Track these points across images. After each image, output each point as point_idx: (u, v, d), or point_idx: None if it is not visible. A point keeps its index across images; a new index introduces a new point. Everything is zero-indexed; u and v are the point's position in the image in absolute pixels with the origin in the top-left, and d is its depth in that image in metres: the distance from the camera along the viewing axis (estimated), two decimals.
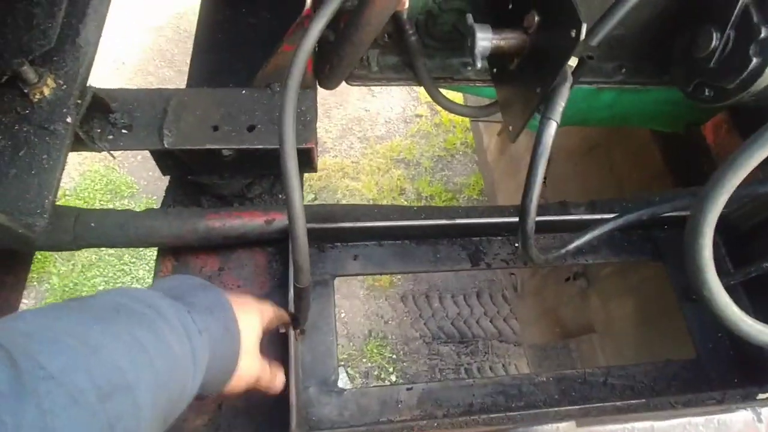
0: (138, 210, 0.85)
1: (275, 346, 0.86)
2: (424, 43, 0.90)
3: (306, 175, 1.15)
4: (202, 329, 0.56)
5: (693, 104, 0.91)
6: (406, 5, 0.81)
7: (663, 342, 1.45)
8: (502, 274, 2.91)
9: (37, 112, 0.70)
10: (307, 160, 0.90)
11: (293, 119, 0.66)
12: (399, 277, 2.99)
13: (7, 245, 0.67)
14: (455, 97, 1.13)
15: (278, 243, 0.93)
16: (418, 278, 3.03)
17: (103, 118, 0.81)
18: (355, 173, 3.32)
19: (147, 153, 0.87)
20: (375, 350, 2.82)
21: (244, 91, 0.89)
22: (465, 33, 0.76)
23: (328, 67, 0.84)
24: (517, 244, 1.00)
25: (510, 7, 0.80)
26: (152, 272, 0.94)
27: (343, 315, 2.90)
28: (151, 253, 1.14)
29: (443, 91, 0.97)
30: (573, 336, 2.12)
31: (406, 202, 3.25)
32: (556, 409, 0.81)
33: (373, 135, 3.49)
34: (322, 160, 3.29)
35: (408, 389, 0.87)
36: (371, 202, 3.22)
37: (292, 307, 0.80)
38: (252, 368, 0.67)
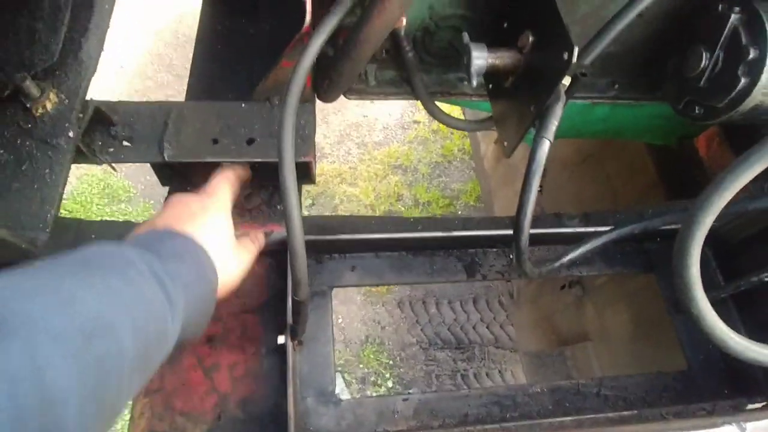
0: (136, 215, 0.86)
1: (273, 356, 0.87)
2: (421, 58, 0.92)
3: None
4: (174, 276, 0.56)
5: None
6: (404, 23, 0.83)
7: (657, 351, 1.47)
8: (498, 281, 2.93)
9: (39, 127, 0.71)
10: (305, 173, 0.91)
11: (292, 136, 0.68)
12: None
13: (8, 259, 0.68)
14: (452, 107, 1.15)
15: (276, 254, 0.94)
16: (415, 284, 3.04)
17: (105, 131, 0.82)
18: (353, 179, 3.33)
19: None
20: (372, 356, 2.83)
21: (243, 105, 0.90)
22: (461, 50, 0.78)
23: (327, 82, 0.85)
24: (512, 256, 1.02)
25: (505, 26, 0.81)
26: None
27: (340, 320, 2.90)
28: None
29: (439, 103, 0.99)
30: (568, 344, 2.13)
31: (403, 209, 3.27)
32: (550, 420, 0.82)
33: (370, 141, 3.51)
34: (320, 166, 3.30)
35: (404, 400, 0.88)
36: (369, 208, 3.24)
37: (290, 319, 0.81)
38: (241, 263, 0.71)
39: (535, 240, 1.02)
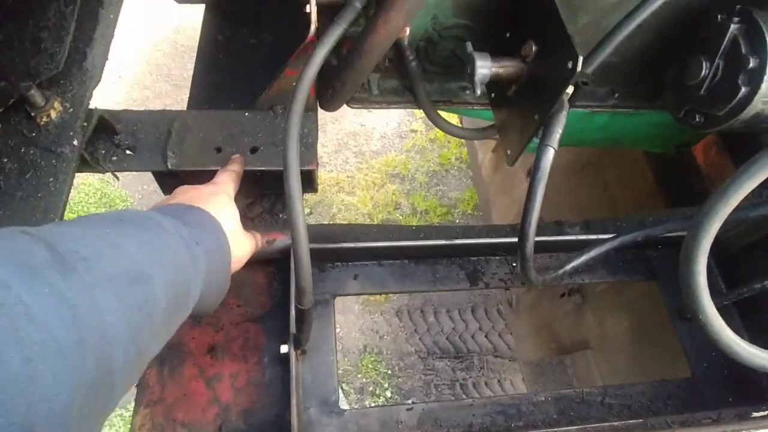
0: None
1: (276, 366, 0.86)
2: (424, 68, 0.93)
3: None
4: (198, 241, 0.59)
5: (684, 127, 0.94)
6: (407, 33, 0.83)
7: (658, 359, 1.47)
8: (497, 290, 2.92)
9: (43, 135, 0.71)
10: (308, 181, 0.91)
11: (297, 145, 0.68)
12: None
13: None
14: (449, 115, 1.16)
15: (279, 263, 0.93)
16: (414, 293, 3.03)
17: (108, 140, 0.82)
18: (351, 188, 3.33)
19: None
20: (370, 366, 2.81)
21: (247, 113, 0.90)
22: (464, 60, 0.78)
23: (331, 91, 0.85)
24: (514, 264, 1.02)
25: (508, 35, 0.82)
26: None
27: (338, 330, 2.88)
28: None
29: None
30: (568, 352, 2.12)
31: (401, 217, 3.27)
32: (555, 429, 0.81)
33: (368, 150, 3.52)
34: (318, 175, 3.31)
35: (408, 409, 0.87)
36: (366, 217, 3.24)
37: (293, 328, 0.81)
38: (245, 247, 0.74)
39: (536, 248, 1.02)
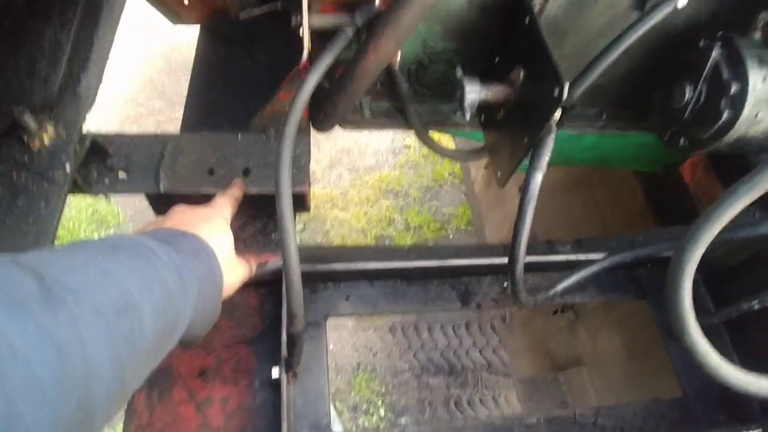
0: None
1: (267, 389, 0.86)
2: (415, 90, 0.94)
3: None
4: (190, 269, 0.58)
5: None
6: (399, 57, 0.85)
7: (652, 376, 1.47)
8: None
9: (36, 160, 0.71)
10: (301, 203, 0.92)
11: (289, 169, 0.68)
12: None
13: None
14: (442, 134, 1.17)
15: (270, 284, 0.93)
16: (409, 313, 3.02)
17: (101, 163, 0.82)
18: (344, 204, 3.34)
19: None
20: (364, 383, 2.78)
21: (239, 136, 0.91)
22: (455, 84, 0.80)
23: (323, 114, 0.86)
24: (506, 284, 1.02)
25: (497, 60, 0.84)
26: None
27: (331, 347, 2.86)
28: None
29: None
30: (562, 369, 2.12)
31: (394, 233, 3.27)
32: None
33: (362, 166, 3.53)
34: (311, 191, 3.31)
35: (400, 431, 0.87)
36: (360, 233, 3.23)
37: (285, 351, 0.80)
38: (238, 274, 0.74)
39: (528, 267, 1.03)
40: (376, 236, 3.24)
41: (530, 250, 1.02)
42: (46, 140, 0.72)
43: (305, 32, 0.78)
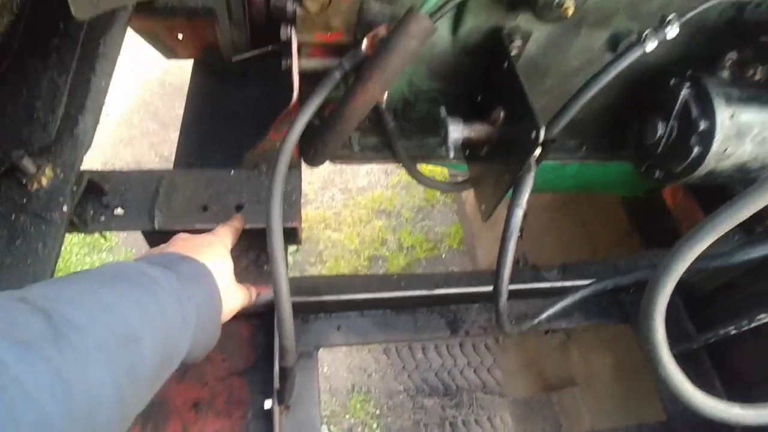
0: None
1: (259, 420, 0.87)
2: (402, 126, 0.98)
3: None
4: (190, 296, 0.60)
5: None
6: (385, 96, 0.89)
7: (643, 396, 1.49)
8: None
9: (33, 202, 0.73)
10: (292, 237, 0.94)
11: (280, 207, 0.71)
12: None
13: None
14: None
15: (263, 315, 0.95)
16: (399, 342, 3.02)
17: (96, 201, 0.85)
18: (337, 224, 3.36)
19: None
20: (358, 405, 2.77)
21: (232, 172, 0.94)
22: (439, 123, 0.84)
23: (313, 150, 0.90)
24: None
25: (479, 99, 0.88)
26: None
27: (325, 369, 2.85)
28: None
29: None
30: (555, 389, 2.13)
31: (387, 253, 3.29)
32: None
33: (354, 186, 3.57)
34: (304, 212, 3.33)
35: None
36: (353, 253, 3.25)
37: (277, 384, 0.82)
38: (237, 299, 0.74)
39: (514, 295, 1.06)
40: (369, 257, 3.26)
41: (517, 278, 1.05)
42: (44, 182, 0.74)
43: (295, 75, 0.81)
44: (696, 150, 0.82)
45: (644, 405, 1.48)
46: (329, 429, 2.70)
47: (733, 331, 0.87)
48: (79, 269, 2.88)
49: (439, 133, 1.00)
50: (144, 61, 3.96)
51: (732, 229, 0.61)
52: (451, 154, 0.80)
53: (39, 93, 0.80)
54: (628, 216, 1.61)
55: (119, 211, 0.86)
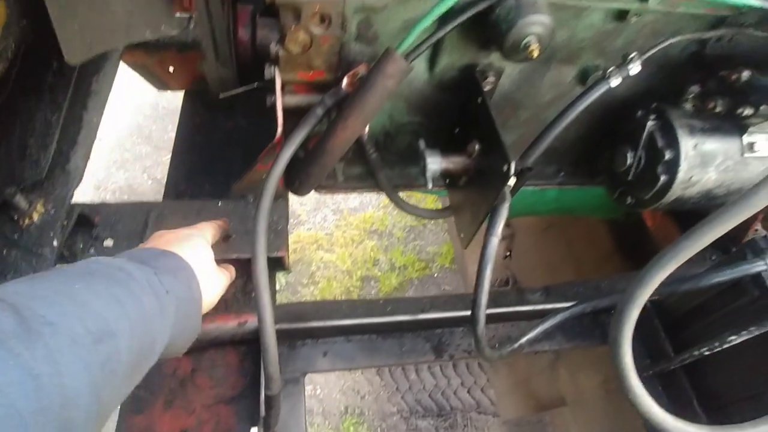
0: None
1: None
2: (384, 157, 1.01)
3: None
4: (168, 290, 0.60)
5: None
6: (367, 130, 0.92)
7: (632, 415, 1.50)
8: None
9: (25, 237, 0.75)
10: (279, 265, 0.97)
11: (265, 239, 0.74)
12: None
13: None
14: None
15: (250, 342, 0.97)
16: (385, 366, 3.02)
17: (86, 233, 0.87)
18: (329, 245, 3.38)
19: None
20: (351, 428, 2.75)
21: (220, 203, 0.97)
22: (418, 155, 0.87)
23: (298, 182, 0.93)
24: None
25: (456, 132, 0.92)
26: None
27: (318, 392, 2.84)
28: None
29: None
30: (546, 408, 2.14)
31: (379, 273, 3.31)
32: None
33: (346, 207, 3.60)
34: (297, 233, 3.35)
35: None
36: (345, 274, 3.27)
37: (263, 412, 0.83)
38: (219, 284, 0.76)
39: (497, 318, 1.09)
40: (361, 277, 3.27)
41: (502, 301, 1.08)
42: (36, 218, 0.76)
43: (279, 111, 0.85)
44: (663, 178, 0.86)
45: (634, 424, 1.49)
46: None
47: (707, 353, 0.90)
48: None
49: (419, 163, 1.04)
50: (137, 84, 4.01)
51: (707, 248, 0.64)
52: (430, 185, 0.84)
53: (32, 130, 0.83)
54: (611, 236, 1.65)
55: (109, 242, 0.89)
